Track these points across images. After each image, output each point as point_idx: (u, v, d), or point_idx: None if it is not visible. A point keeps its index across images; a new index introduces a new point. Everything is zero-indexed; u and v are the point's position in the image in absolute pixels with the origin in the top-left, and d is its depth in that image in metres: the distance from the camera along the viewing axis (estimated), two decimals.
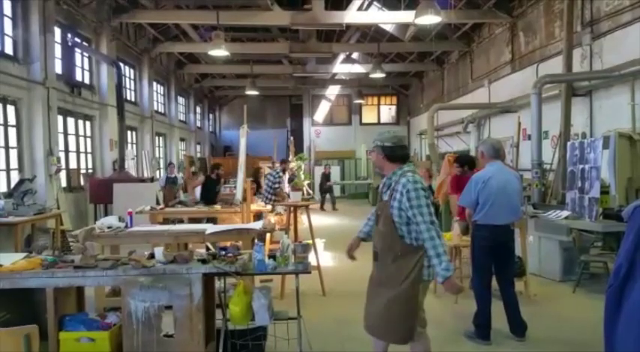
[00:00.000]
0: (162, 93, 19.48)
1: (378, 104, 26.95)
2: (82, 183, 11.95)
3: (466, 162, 6.66)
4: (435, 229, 3.21)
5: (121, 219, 5.65)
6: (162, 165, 18.64)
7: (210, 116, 28.09)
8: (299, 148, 22.70)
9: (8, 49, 9.35)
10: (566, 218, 6.84)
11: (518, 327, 4.74)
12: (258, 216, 7.97)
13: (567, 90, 9.72)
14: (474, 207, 4.74)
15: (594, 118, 9.59)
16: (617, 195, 6.78)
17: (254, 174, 11.72)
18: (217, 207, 8.33)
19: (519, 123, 11.82)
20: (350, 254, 3.82)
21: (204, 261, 3.79)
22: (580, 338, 4.77)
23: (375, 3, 16.13)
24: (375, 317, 3.46)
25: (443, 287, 3.30)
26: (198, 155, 24.18)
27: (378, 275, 3.46)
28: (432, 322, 3.70)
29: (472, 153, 14.91)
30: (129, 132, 14.92)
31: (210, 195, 9.83)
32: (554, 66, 10.43)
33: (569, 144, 7.76)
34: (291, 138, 16.05)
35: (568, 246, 6.83)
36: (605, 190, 6.94)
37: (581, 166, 7.03)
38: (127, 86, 15.45)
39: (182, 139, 21.72)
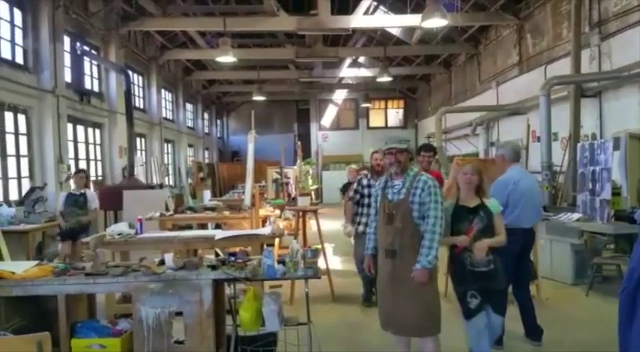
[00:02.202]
0: (170, 100, 19.60)
1: (385, 108, 26.91)
2: (92, 190, 12.02)
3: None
4: (440, 225, 3.52)
5: (131, 226, 5.68)
6: (170, 172, 18.71)
7: (218, 122, 28.21)
8: (306, 153, 22.70)
9: (19, 59, 9.46)
10: (578, 220, 6.79)
11: (534, 332, 4.69)
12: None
13: (576, 91, 9.66)
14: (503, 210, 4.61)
15: (604, 119, 9.52)
16: (629, 197, 6.73)
17: None
18: (226, 212, 8.33)
19: (528, 125, 11.76)
20: (372, 272, 3.92)
21: (213, 267, 3.79)
22: (594, 341, 4.71)
23: (381, 7, 16.15)
24: (410, 317, 3.54)
25: (414, 272, 3.50)
26: (207, 161, 24.27)
27: (398, 273, 3.55)
28: (442, 325, 3.69)
29: (481, 156, 14.90)
30: (138, 139, 15.00)
31: (72, 219, 7.25)
32: (563, 67, 10.37)
33: (579, 145, 7.72)
34: (299, 142, 16.03)
35: (580, 248, 6.76)
36: (616, 192, 6.89)
37: (591, 168, 6.98)
38: (136, 93, 15.55)
39: (190, 145, 21.82)
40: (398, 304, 3.57)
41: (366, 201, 5.56)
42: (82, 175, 7.71)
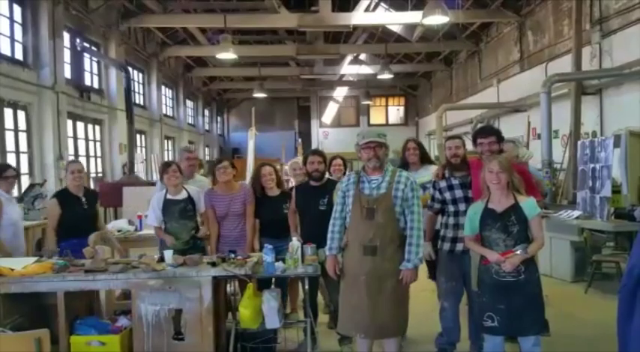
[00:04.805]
0: (170, 96, 19.58)
1: (386, 105, 26.91)
2: (92, 186, 12.02)
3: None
4: (422, 221, 3.56)
5: (131, 223, 5.68)
6: None
7: (219, 119, 28.19)
8: (307, 150, 22.67)
9: (18, 55, 9.44)
10: (578, 218, 6.77)
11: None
12: None
13: (577, 88, 9.63)
14: None
15: (605, 117, 9.51)
16: (629, 195, 6.71)
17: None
18: None
19: (529, 123, 11.75)
20: (337, 273, 3.61)
21: (213, 264, 3.79)
22: (593, 338, 4.71)
23: (382, 4, 16.09)
24: (391, 316, 3.46)
25: (404, 273, 3.43)
26: (207, 158, 24.26)
27: (379, 270, 3.45)
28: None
29: None
30: (138, 136, 14.99)
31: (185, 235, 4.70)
32: (564, 64, 10.35)
33: (579, 143, 7.69)
34: (299, 140, 16.04)
35: (579, 246, 6.74)
36: (616, 189, 6.87)
37: (592, 165, 6.96)
38: (136, 90, 15.53)
39: (191, 142, 21.80)
40: (378, 304, 3.42)
41: (452, 208, 3.96)
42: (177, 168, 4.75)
